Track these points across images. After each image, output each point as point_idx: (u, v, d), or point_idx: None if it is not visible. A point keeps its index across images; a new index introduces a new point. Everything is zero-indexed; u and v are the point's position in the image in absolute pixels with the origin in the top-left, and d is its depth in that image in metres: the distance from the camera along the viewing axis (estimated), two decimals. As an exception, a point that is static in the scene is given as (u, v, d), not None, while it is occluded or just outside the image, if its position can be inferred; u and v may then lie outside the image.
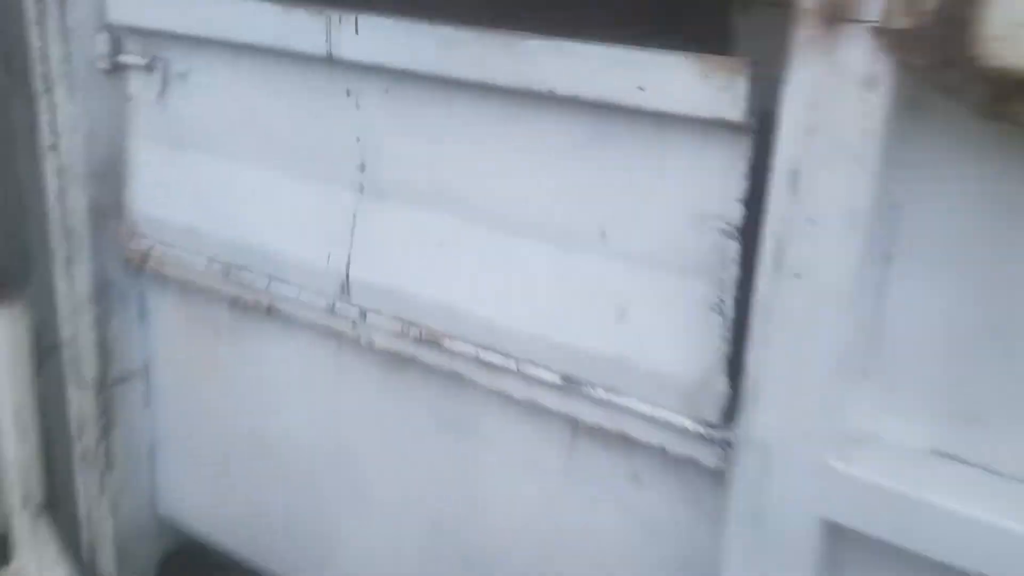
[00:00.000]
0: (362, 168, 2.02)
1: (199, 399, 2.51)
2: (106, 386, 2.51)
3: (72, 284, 2.43)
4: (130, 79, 2.32)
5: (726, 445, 1.63)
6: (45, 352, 2.54)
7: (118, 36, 2.29)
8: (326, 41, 1.94)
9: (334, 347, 2.21)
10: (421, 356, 2.02)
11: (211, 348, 2.43)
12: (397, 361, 2.09)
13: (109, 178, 2.39)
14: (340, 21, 1.91)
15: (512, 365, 1.88)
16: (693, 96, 1.53)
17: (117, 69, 2.31)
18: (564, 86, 1.67)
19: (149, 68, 2.24)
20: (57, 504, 2.69)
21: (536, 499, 2.00)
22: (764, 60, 1.46)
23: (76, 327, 2.46)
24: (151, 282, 2.49)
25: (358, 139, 2.01)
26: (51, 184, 2.37)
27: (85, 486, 2.62)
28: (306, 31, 1.96)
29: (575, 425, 1.88)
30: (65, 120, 2.29)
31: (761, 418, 1.51)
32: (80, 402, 2.53)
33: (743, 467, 1.56)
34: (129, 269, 2.48)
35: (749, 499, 1.57)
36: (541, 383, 1.86)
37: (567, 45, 1.65)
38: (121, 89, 2.34)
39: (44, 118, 2.32)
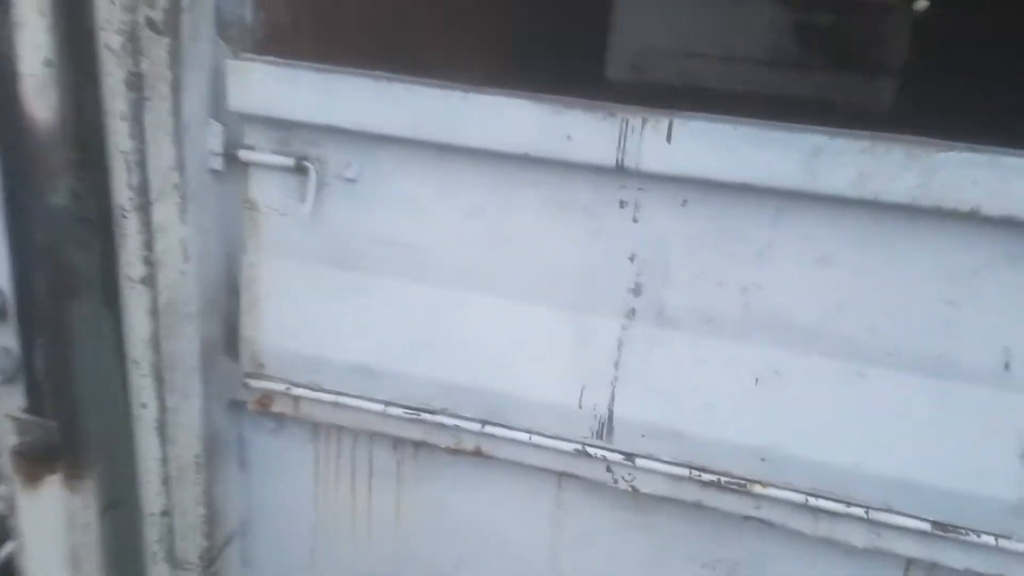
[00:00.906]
0: (636, 290, 1.67)
1: (335, 555, 2.04)
2: (211, 563, 1.96)
3: (169, 447, 1.85)
4: (253, 182, 1.76)
5: None
6: (114, 525, 1.94)
7: (236, 127, 1.72)
8: (618, 148, 1.56)
9: (553, 490, 1.87)
10: (709, 501, 1.74)
11: (361, 497, 1.97)
12: (649, 503, 1.81)
13: (218, 311, 1.82)
14: (643, 125, 1.53)
15: (855, 511, 1.66)
16: None
17: (234, 170, 1.74)
18: (995, 206, 1.44)
19: (300, 169, 1.70)
20: None
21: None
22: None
23: (173, 499, 1.89)
24: (258, 426, 1.96)
25: (632, 257, 1.65)
26: (138, 326, 1.77)
27: None
28: (587, 137, 1.56)
29: (908, 563, 1.71)
30: (170, 244, 1.70)
31: None
32: (175, 587, 1.97)
33: None
34: (234, 415, 1.93)
35: None
36: (897, 530, 1.65)
37: (1006, 160, 1.42)
38: (238, 195, 1.77)
39: (133, 244, 1.71)
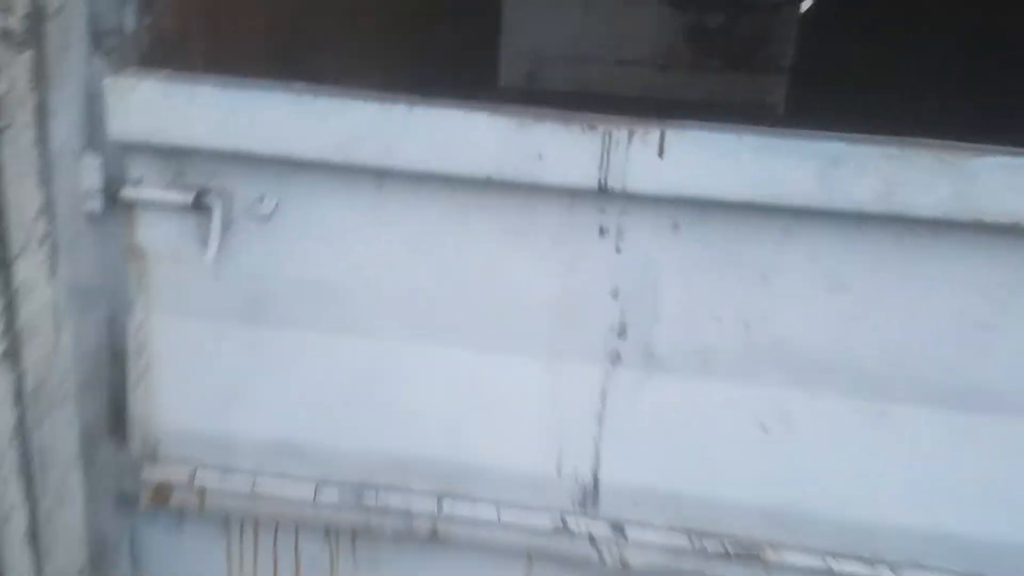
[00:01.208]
0: (620, 331, 1.42)
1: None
2: None
3: (44, 561, 1.48)
4: (141, 225, 1.42)
5: None
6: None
7: (118, 158, 1.38)
8: (600, 167, 1.30)
9: (524, 569, 1.59)
10: (712, 572, 1.50)
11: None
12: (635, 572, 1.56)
13: (101, 386, 1.47)
14: (629, 138, 1.28)
15: (880, 572, 1.46)
16: None
17: (116, 212, 1.40)
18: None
19: (200, 207, 1.38)
20: None
21: None
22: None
23: (51, 624, 1.52)
24: (155, 523, 1.61)
25: (615, 293, 1.40)
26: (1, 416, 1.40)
27: None
28: (562, 154, 1.30)
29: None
30: (37, 309, 1.35)
31: None
32: None
33: None
34: (125, 512, 1.58)
35: None
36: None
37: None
38: (122, 242, 1.43)
39: (-13, 312, 1.34)
